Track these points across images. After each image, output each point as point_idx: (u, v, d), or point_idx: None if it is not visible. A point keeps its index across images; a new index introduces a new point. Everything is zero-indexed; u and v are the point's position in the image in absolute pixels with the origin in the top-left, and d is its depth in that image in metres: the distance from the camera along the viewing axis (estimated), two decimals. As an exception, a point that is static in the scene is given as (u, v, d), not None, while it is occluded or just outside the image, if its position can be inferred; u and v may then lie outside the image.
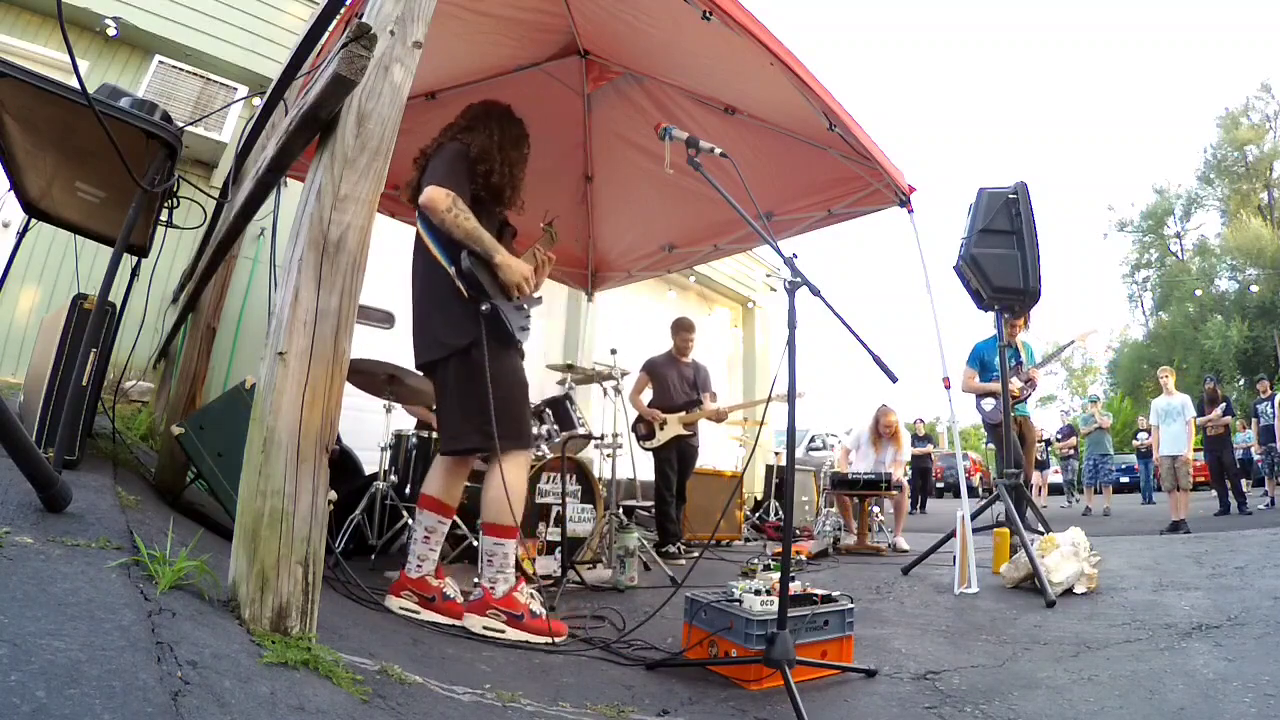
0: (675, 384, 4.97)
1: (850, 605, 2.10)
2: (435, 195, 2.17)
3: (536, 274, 2.52)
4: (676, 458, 4.87)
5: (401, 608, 2.22)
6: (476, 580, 2.32)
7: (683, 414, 4.88)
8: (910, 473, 10.98)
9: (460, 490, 2.46)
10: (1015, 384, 4.77)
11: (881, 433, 6.23)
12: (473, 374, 2.22)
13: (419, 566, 2.31)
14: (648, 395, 5.04)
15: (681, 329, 5.15)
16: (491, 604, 2.17)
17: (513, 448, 2.23)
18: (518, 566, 3.22)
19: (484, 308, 2.21)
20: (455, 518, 2.64)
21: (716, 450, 7.89)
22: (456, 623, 2.19)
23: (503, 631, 2.11)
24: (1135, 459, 13.34)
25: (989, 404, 4.94)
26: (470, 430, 2.24)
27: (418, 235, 2.40)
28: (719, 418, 4.99)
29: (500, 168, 2.41)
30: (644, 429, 4.90)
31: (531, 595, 2.23)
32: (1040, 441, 12.81)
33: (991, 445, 5.41)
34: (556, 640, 2.11)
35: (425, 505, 2.36)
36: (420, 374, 3.67)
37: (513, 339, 2.29)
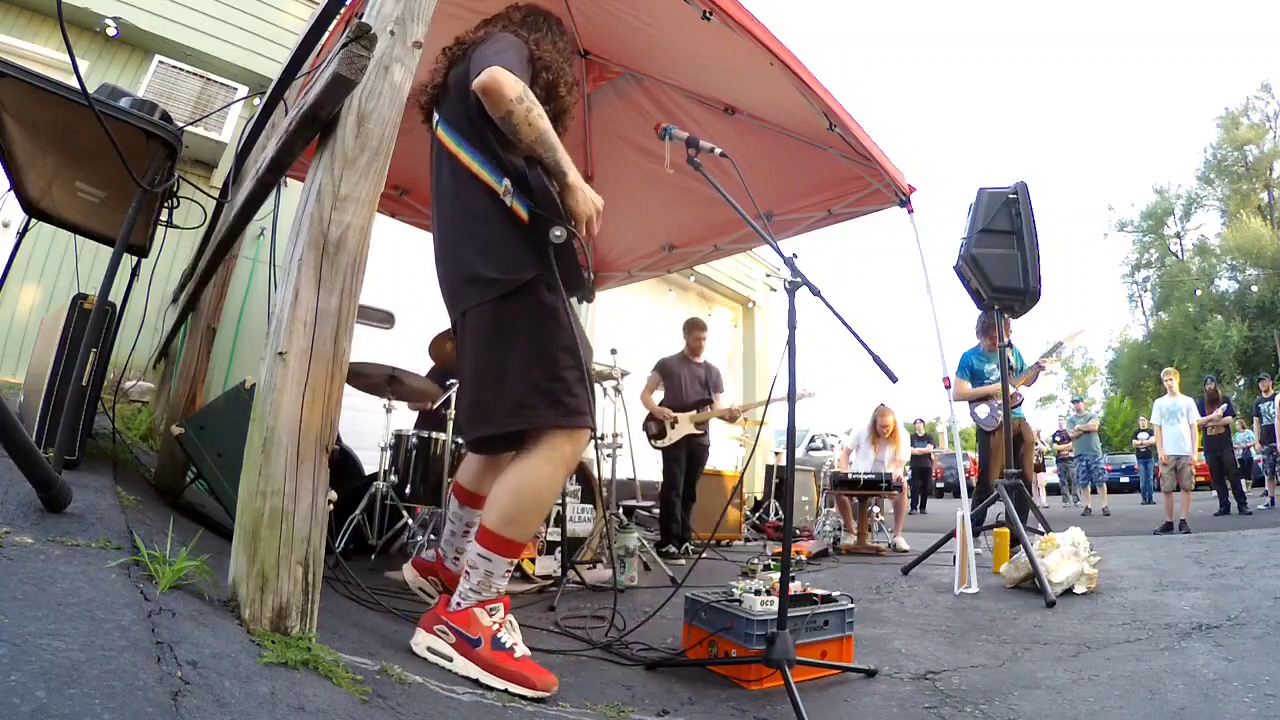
0: (687, 384, 4.98)
1: (850, 605, 2.10)
2: (503, 79, 1.58)
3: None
4: (686, 457, 4.88)
5: (420, 588, 2.07)
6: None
7: (694, 413, 4.89)
8: (910, 473, 10.98)
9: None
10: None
11: (879, 432, 6.26)
12: (538, 318, 1.66)
13: (456, 559, 2.05)
14: (659, 396, 5.05)
15: (694, 328, 5.15)
16: (442, 617, 1.62)
17: (561, 424, 1.65)
18: (517, 566, 3.22)
19: (555, 233, 1.62)
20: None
21: (716, 450, 7.89)
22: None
23: (450, 660, 1.57)
24: (1135, 459, 13.34)
25: (984, 410, 4.95)
26: (541, 402, 1.64)
27: (442, 152, 1.82)
28: (731, 417, 4.99)
29: (568, 81, 1.90)
30: (655, 428, 4.91)
31: (508, 624, 1.64)
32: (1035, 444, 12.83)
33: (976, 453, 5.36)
34: (518, 690, 1.50)
35: (465, 500, 2.03)
36: (420, 375, 3.64)
37: (585, 286, 1.76)
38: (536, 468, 1.65)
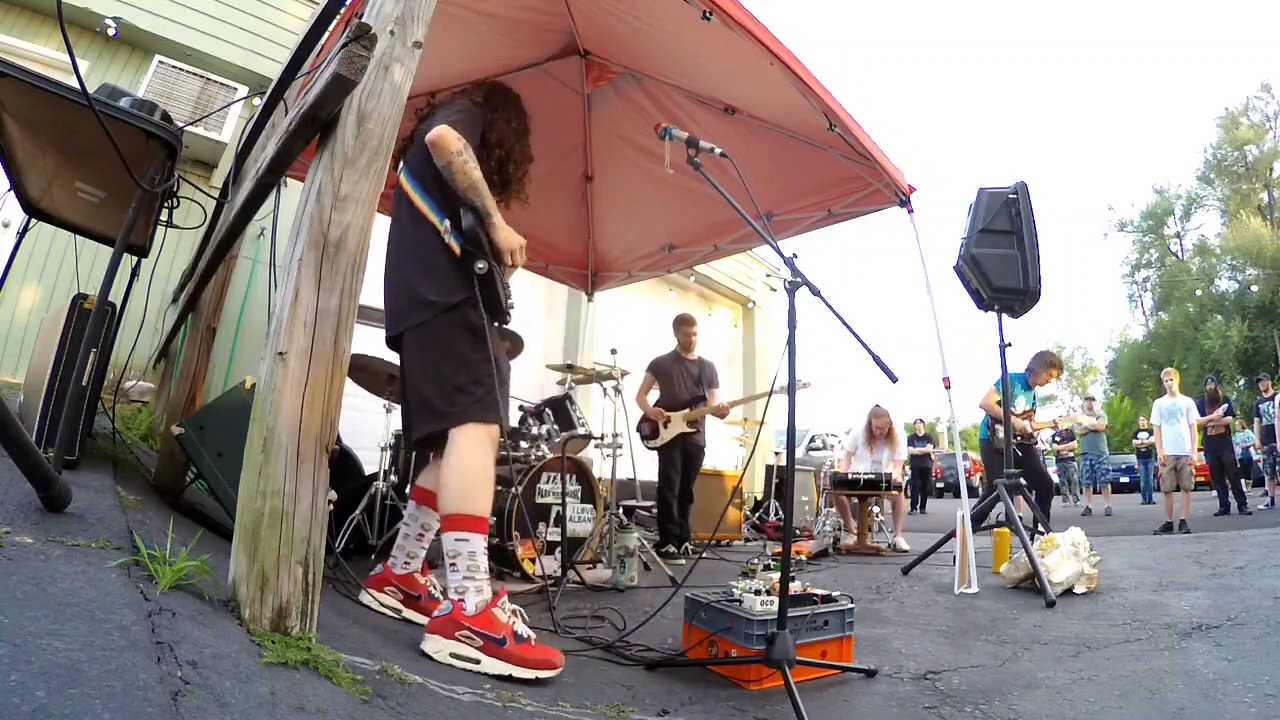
0: (680, 382, 4.96)
1: (850, 605, 2.10)
2: (448, 135, 1.94)
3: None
4: (681, 457, 4.85)
5: (383, 604, 2.14)
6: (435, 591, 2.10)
7: (686, 411, 4.87)
8: (910, 473, 10.99)
9: None
10: (1026, 426, 5.15)
11: (875, 433, 6.26)
12: (465, 333, 1.98)
13: (406, 564, 2.20)
14: (654, 396, 5.03)
15: (683, 324, 5.13)
16: (463, 623, 1.73)
17: (480, 419, 1.95)
18: (517, 566, 3.23)
19: (479, 266, 1.96)
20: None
21: (717, 450, 7.90)
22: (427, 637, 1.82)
23: (477, 662, 1.69)
24: (1135, 459, 13.34)
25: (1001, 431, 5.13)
26: (465, 400, 1.95)
27: (399, 192, 2.16)
28: (722, 413, 4.96)
29: (517, 158, 2.29)
30: (648, 428, 4.90)
31: (515, 612, 1.82)
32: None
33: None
34: (547, 675, 1.72)
35: (423, 500, 2.20)
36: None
37: (503, 310, 2.05)
38: (467, 448, 1.91)
